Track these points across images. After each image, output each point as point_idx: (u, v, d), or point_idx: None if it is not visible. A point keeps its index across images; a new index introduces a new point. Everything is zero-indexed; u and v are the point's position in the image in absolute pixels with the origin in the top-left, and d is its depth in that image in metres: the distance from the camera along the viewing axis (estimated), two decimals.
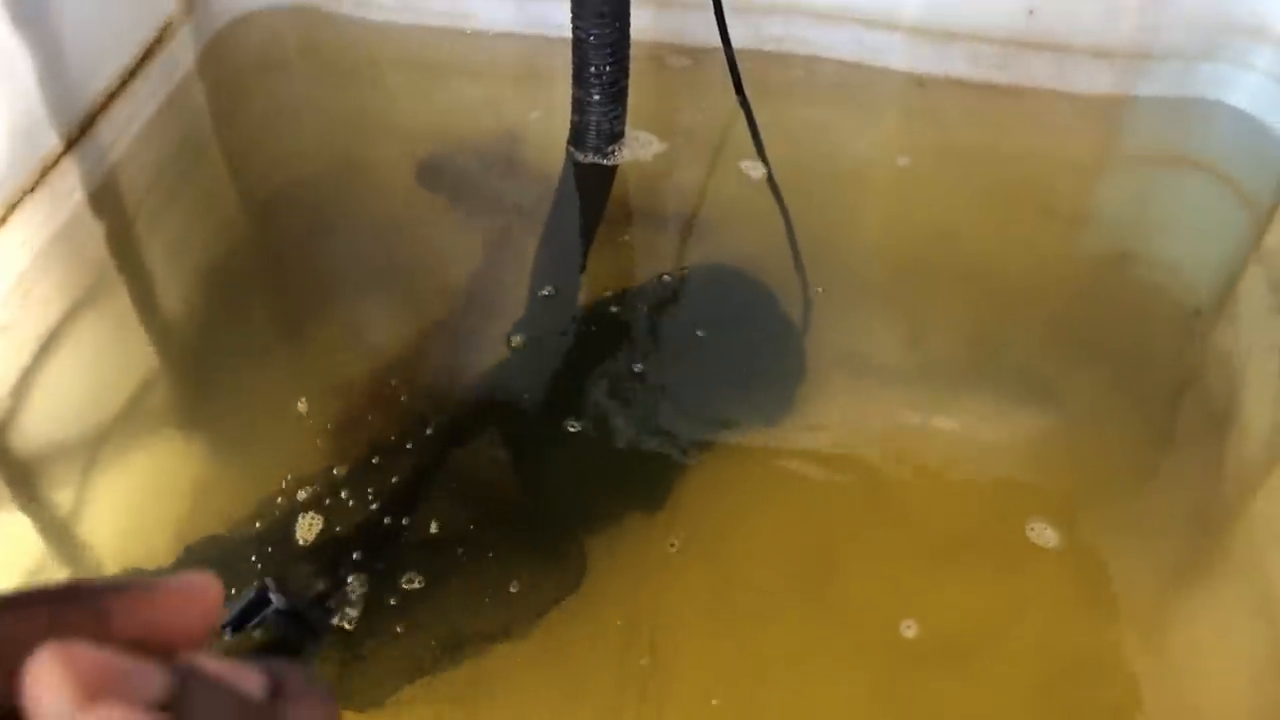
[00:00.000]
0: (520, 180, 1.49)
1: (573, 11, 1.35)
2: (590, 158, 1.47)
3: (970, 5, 1.58)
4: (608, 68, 1.37)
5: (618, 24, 1.34)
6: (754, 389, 1.22)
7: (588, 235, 1.43)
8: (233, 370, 1.26)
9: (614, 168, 1.47)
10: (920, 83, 1.64)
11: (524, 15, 1.70)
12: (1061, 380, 1.25)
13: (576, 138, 1.47)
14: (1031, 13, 1.55)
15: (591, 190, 1.47)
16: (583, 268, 1.37)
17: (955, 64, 1.62)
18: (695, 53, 1.66)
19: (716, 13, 1.49)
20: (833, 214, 1.46)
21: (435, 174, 1.51)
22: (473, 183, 1.50)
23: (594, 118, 1.43)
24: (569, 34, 1.38)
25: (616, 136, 1.46)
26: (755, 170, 1.50)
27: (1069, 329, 1.31)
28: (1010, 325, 1.31)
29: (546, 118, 1.56)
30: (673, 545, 1.07)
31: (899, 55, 1.64)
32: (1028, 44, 1.59)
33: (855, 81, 1.65)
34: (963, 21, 1.59)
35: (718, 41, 1.53)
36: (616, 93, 1.41)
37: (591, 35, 1.34)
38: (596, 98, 1.40)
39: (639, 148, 1.49)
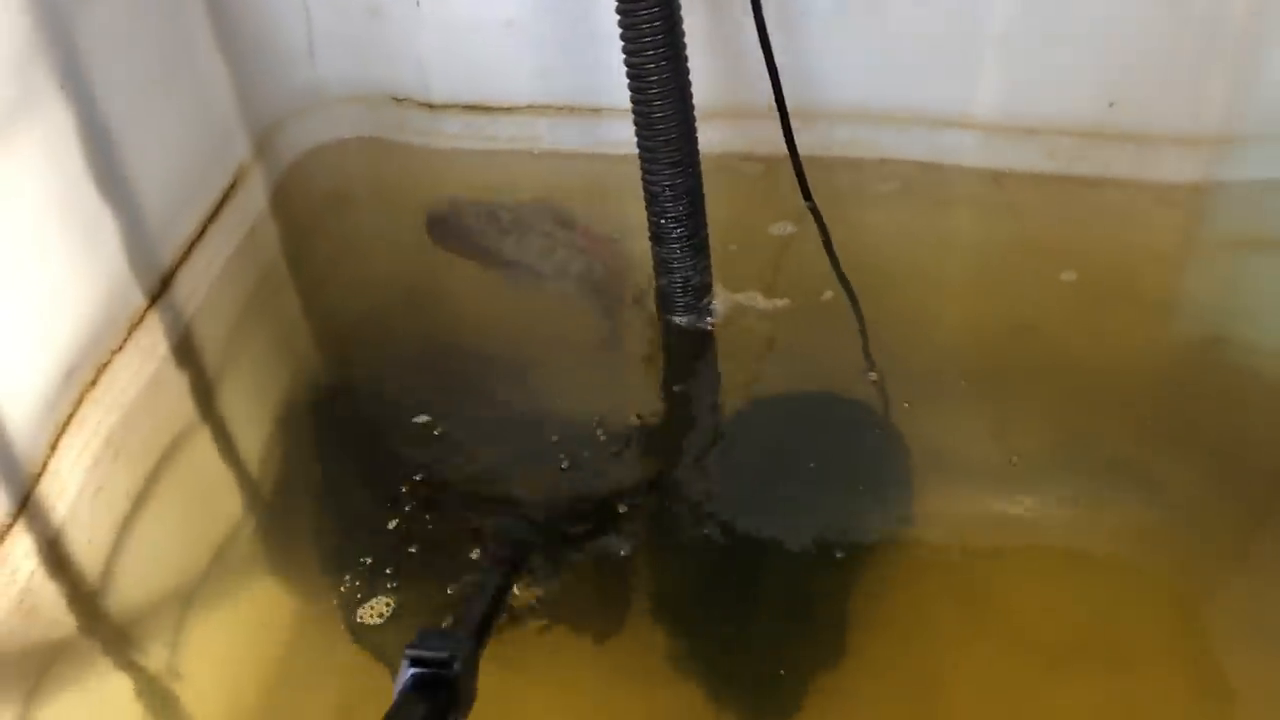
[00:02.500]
0: (603, 303, 1.48)
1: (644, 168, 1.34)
2: (682, 316, 1.43)
3: (1047, 101, 1.55)
4: (686, 218, 1.35)
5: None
6: (864, 507, 1.20)
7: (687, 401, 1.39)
8: (320, 508, 1.25)
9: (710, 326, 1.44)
10: (997, 178, 1.61)
11: (590, 136, 1.70)
12: (1161, 472, 1.21)
13: (664, 299, 1.44)
14: (1112, 104, 1.53)
15: (687, 351, 1.44)
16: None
17: (1032, 159, 1.59)
18: (767, 160, 1.64)
19: (783, 123, 1.48)
20: (914, 314, 1.43)
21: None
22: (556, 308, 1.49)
23: (680, 274, 1.40)
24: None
25: (705, 289, 1.43)
26: (832, 285, 1.48)
27: (1165, 419, 1.27)
28: (1104, 417, 1.27)
29: (621, 238, 1.56)
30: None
31: (973, 153, 1.61)
32: (1108, 135, 1.55)
33: (929, 180, 1.63)
34: (1039, 117, 1.57)
35: (783, 148, 1.52)
36: (698, 244, 1.38)
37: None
38: (678, 251, 1.38)
39: (728, 296, 1.46)
